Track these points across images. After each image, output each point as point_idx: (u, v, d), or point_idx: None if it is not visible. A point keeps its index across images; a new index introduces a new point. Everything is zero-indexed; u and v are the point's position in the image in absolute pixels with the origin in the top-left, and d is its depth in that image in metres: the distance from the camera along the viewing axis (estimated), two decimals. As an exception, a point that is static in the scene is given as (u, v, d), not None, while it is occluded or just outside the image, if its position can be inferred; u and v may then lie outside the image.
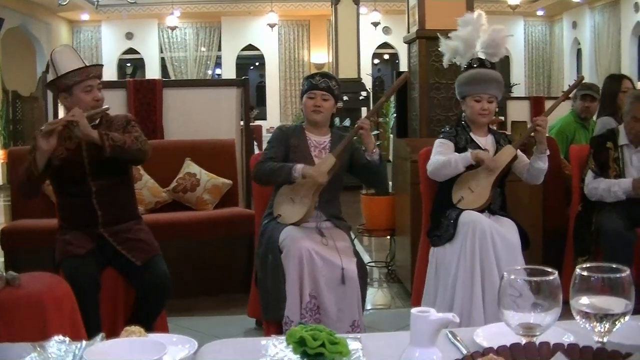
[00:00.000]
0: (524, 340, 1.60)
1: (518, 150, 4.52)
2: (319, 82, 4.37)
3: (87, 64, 4.06)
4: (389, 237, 6.77)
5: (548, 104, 11.48)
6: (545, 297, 1.55)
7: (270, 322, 4.19)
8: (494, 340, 1.74)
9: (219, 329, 4.96)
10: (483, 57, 4.63)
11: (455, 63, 4.83)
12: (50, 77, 4.04)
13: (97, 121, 4.06)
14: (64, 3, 13.94)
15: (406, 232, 5.82)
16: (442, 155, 4.46)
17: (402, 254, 6.12)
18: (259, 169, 4.33)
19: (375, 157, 4.30)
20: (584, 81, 5.72)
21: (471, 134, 4.57)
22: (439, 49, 4.92)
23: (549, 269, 1.59)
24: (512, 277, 1.57)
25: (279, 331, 3.98)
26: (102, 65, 4.28)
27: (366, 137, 4.26)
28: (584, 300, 1.59)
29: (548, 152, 4.45)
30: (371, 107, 14.77)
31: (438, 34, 4.96)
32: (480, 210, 4.39)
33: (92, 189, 4.01)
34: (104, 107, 4.07)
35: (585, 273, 1.58)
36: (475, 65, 4.58)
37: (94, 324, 3.61)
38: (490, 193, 4.42)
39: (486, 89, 4.49)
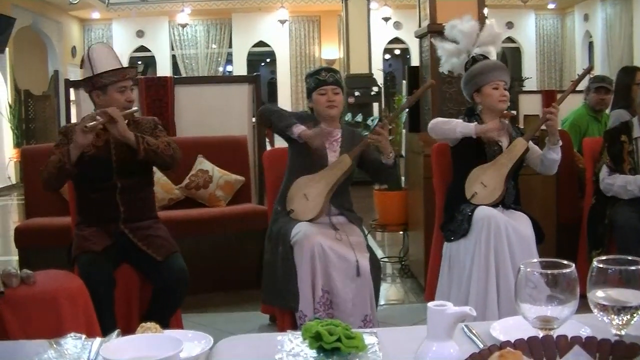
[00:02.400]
0: (541, 334, 1.59)
1: (530, 142, 4.51)
2: (326, 77, 4.38)
3: (123, 65, 4.12)
4: (402, 232, 6.76)
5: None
6: (563, 290, 1.54)
7: (284, 316, 4.21)
8: (511, 334, 1.73)
9: (233, 325, 4.97)
10: (480, 54, 4.65)
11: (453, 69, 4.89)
12: (85, 73, 4.07)
13: (125, 121, 4.09)
14: (75, 2, 13.99)
15: (419, 226, 5.81)
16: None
17: (416, 249, 6.12)
18: (269, 107, 4.47)
19: (390, 161, 4.32)
20: (597, 74, 5.72)
21: (502, 120, 4.56)
22: (437, 53, 4.93)
23: (566, 262, 1.58)
24: (529, 270, 1.56)
25: (293, 326, 3.98)
26: (137, 67, 4.34)
27: (383, 143, 4.26)
28: (602, 292, 1.58)
29: (560, 143, 4.44)
30: (382, 103, 14.77)
31: (434, 36, 4.97)
32: (494, 204, 4.38)
33: (117, 186, 4.06)
34: (134, 109, 4.14)
35: (602, 265, 1.58)
36: (480, 60, 4.59)
37: (108, 320, 3.63)
38: (504, 187, 4.40)
39: (501, 76, 4.51)
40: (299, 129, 4.16)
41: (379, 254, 6.80)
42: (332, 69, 4.51)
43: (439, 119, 4.56)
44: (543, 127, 4.48)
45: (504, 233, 4.16)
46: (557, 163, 4.50)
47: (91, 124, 3.80)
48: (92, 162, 3.98)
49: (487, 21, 4.78)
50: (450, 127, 4.41)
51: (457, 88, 5.97)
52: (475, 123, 4.41)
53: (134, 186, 4.13)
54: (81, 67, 4.16)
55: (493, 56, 4.74)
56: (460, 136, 4.40)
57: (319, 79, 4.38)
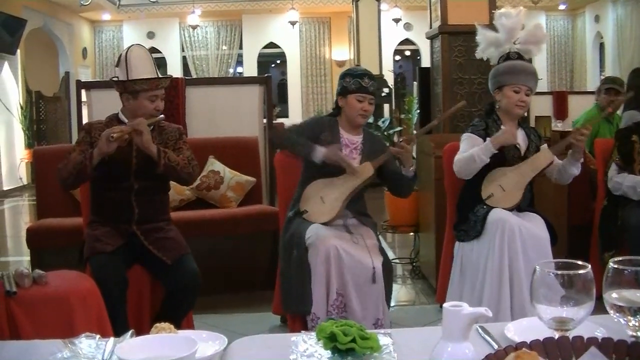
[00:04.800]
0: (557, 335, 1.58)
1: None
2: (368, 84, 4.29)
3: (159, 74, 4.12)
4: (412, 233, 6.75)
5: (571, 99, 11.49)
6: (578, 290, 1.54)
7: (295, 318, 4.18)
8: (525, 335, 1.73)
9: (244, 325, 4.97)
10: (515, 52, 4.61)
11: (482, 58, 4.84)
12: (119, 73, 4.07)
13: (150, 127, 4.09)
14: (86, 3, 14.01)
15: (430, 228, 5.80)
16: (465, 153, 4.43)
17: (426, 250, 6.11)
18: (282, 132, 4.37)
19: (410, 173, 4.29)
20: (608, 75, 5.69)
21: (502, 126, 4.53)
22: (476, 38, 4.88)
23: (582, 263, 1.58)
24: (545, 271, 1.56)
25: (304, 328, 3.96)
26: (171, 77, 4.34)
27: (406, 157, 4.23)
28: (618, 293, 1.57)
29: (582, 160, 4.42)
30: (393, 104, 14.76)
31: (476, 23, 4.93)
32: (510, 208, 4.37)
33: (133, 187, 4.07)
34: (160, 117, 4.15)
35: (618, 266, 1.57)
36: (513, 58, 4.54)
37: (120, 321, 3.64)
38: (522, 195, 4.39)
39: (526, 81, 4.47)
40: (320, 154, 4.14)
41: (390, 255, 6.80)
42: (374, 77, 4.42)
43: (459, 160, 4.42)
44: (554, 128, 4.46)
45: (517, 236, 4.14)
46: (573, 177, 4.49)
47: (117, 134, 3.82)
48: (112, 162, 3.97)
49: (535, 22, 4.73)
50: (477, 162, 4.31)
51: (468, 89, 5.98)
52: (488, 139, 4.34)
53: (150, 189, 4.14)
54: (117, 66, 4.15)
55: (533, 55, 4.70)
56: (488, 160, 4.33)
57: (361, 83, 4.28)
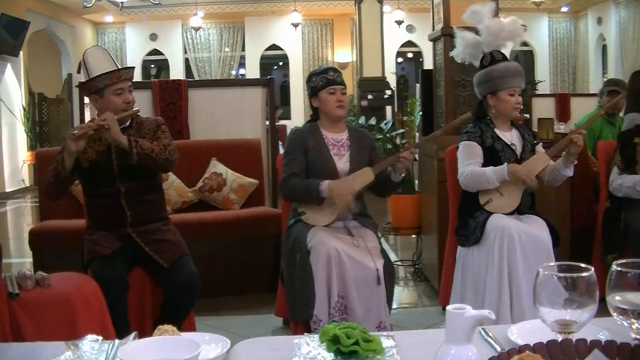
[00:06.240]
0: (560, 338, 1.58)
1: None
2: (335, 76, 4.36)
3: (119, 67, 4.08)
4: (415, 235, 6.75)
5: (573, 101, 11.48)
6: (581, 293, 1.53)
7: (298, 322, 4.18)
8: (528, 338, 1.73)
9: (246, 328, 4.96)
10: (497, 50, 4.58)
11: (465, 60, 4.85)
12: (81, 78, 4.07)
13: (127, 123, 4.08)
14: (89, 5, 14.01)
15: (433, 230, 5.80)
16: (473, 165, 4.40)
17: (429, 253, 6.10)
18: (285, 190, 4.34)
19: (399, 179, 4.29)
20: (611, 77, 5.68)
21: (496, 130, 4.51)
22: (454, 39, 4.86)
23: (585, 265, 1.57)
24: (548, 273, 1.55)
25: (307, 330, 3.95)
26: (133, 68, 4.30)
27: (405, 165, 4.22)
28: (621, 296, 1.57)
29: (576, 162, 4.40)
30: (395, 106, 14.75)
31: (455, 26, 4.92)
32: (509, 213, 4.36)
33: (120, 190, 4.03)
34: (134, 110, 4.10)
35: (621, 269, 1.57)
36: (499, 59, 4.52)
37: (122, 323, 3.63)
38: (521, 199, 4.38)
39: (520, 82, 4.47)
40: (324, 190, 4.14)
41: (392, 257, 6.78)
42: (337, 69, 4.50)
43: (470, 175, 4.38)
44: (556, 130, 4.45)
45: (517, 242, 4.12)
46: (565, 178, 4.48)
47: (78, 131, 3.78)
48: (94, 168, 3.98)
49: (510, 17, 4.70)
50: (488, 183, 4.32)
51: (470, 92, 5.95)
52: (506, 164, 4.31)
53: (138, 190, 4.10)
54: (78, 72, 4.14)
55: (506, 50, 4.68)
56: (499, 184, 4.33)
57: (327, 78, 4.35)
